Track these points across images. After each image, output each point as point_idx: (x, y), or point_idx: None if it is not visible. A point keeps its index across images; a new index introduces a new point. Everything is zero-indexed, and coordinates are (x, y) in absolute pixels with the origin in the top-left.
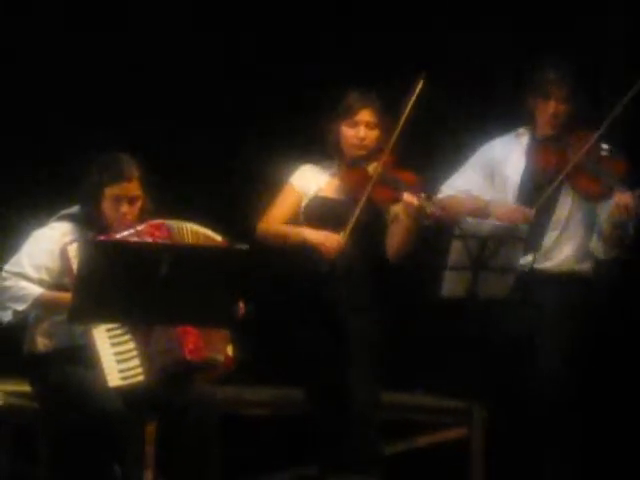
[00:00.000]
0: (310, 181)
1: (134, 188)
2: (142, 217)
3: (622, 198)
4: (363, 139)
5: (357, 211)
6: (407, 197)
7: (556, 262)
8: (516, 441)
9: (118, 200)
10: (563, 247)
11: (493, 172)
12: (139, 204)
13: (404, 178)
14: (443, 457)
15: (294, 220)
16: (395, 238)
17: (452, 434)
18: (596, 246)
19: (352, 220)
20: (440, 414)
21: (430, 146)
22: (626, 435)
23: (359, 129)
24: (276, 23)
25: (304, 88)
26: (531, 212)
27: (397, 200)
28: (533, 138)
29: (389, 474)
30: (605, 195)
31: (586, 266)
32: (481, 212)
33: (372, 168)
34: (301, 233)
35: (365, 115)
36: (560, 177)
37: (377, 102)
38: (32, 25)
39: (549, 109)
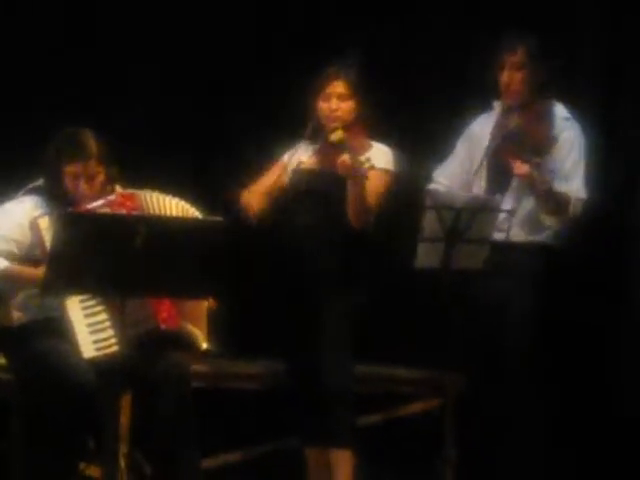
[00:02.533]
0: (298, 157)
1: (91, 166)
2: (106, 188)
3: (519, 168)
4: (335, 110)
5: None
6: (341, 158)
7: (511, 233)
8: (489, 411)
9: (76, 177)
10: (516, 218)
11: (475, 149)
12: (99, 179)
13: (355, 145)
14: (417, 428)
15: (277, 192)
16: (349, 203)
17: (426, 405)
18: (543, 218)
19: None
20: (413, 385)
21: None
22: (592, 401)
23: (331, 101)
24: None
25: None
26: None
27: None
28: (501, 111)
29: (364, 446)
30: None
31: (542, 236)
32: None
33: (334, 134)
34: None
35: (337, 87)
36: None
37: (352, 73)
38: None
39: (503, 78)
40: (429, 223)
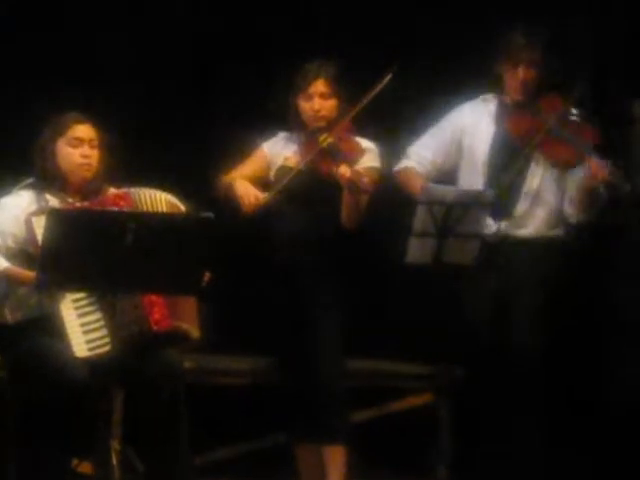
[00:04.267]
0: (281, 150)
1: (89, 130)
2: (102, 178)
3: (596, 167)
4: (318, 111)
5: (288, 177)
6: (342, 169)
7: (529, 230)
8: (484, 406)
9: (77, 143)
10: (535, 214)
11: (461, 138)
12: (99, 152)
13: (348, 149)
14: (411, 423)
15: (257, 182)
16: (343, 207)
17: (419, 400)
18: (569, 212)
19: (281, 183)
20: (407, 380)
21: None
22: (595, 399)
23: (314, 101)
24: None
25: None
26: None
27: (334, 172)
28: (501, 105)
29: (357, 441)
30: (576, 162)
31: (557, 232)
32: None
33: (323, 138)
34: (232, 184)
35: (318, 86)
36: (532, 144)
37: (332, 72)
38: None
39: (518, 75)
40: (420, 218)
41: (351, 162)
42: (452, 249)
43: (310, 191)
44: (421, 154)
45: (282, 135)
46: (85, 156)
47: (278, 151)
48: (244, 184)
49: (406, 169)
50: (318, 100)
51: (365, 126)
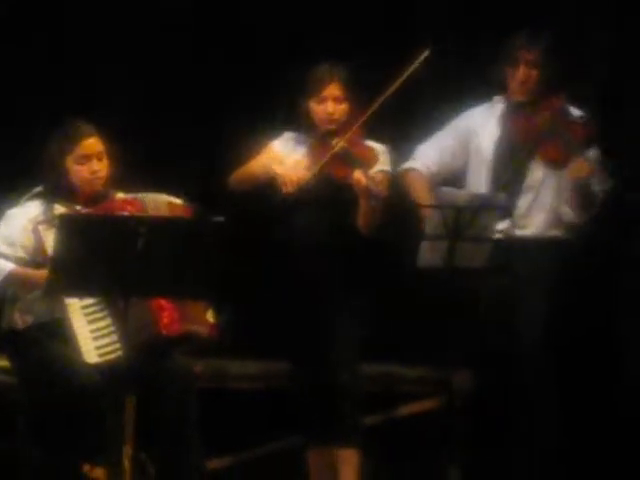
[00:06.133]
0: (290, 150)
1: (96, 143)
2: (110, 185)
3: (575, 165)
4: (332, 114)
5: (327, 158)
6: (356, 175)
7: (530, 229)
8: (497, 409)
9: (85, 160)
10: (535, 214)
11: (469, 141)
12: (106, 162)
13: (362, 155)
14: (424, 427)
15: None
16: (359, 212)
17: (432, 404)
18: (564, 211)
19: (321, 163)
20: (420, 384)
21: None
22: (605, 398)
23: (327, 105)
24: None
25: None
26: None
27: (348, 177)
28: (508, 105)
29: (370, 445)
30: (566, 162)
31: (558, 231)
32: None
33: (335, 142)
34: (269, 167)
35: (332, 90)
36: (529, 143)
37: (344, 74)
38: None
39: (519, 75)
40: (431, 221)
41: (366, 168)
42: (464, 252)
43: (325, 195)
44: (428, 154)
45: (289, 135)
46: (94, 171)
47: (288, 152)
48: (280, 164)
49: (410, 170)
50: (331, 103)
51: (376, 128)
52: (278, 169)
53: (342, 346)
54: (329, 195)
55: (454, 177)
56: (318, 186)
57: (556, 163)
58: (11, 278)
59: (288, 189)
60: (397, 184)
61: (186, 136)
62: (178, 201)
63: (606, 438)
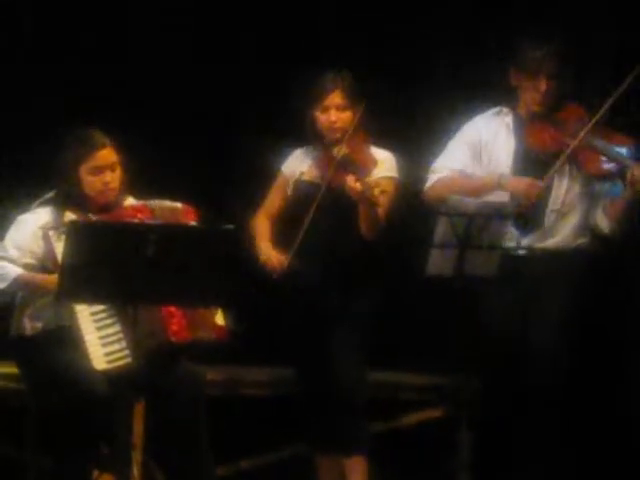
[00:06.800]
0: (298, 166)
1: (110, 154)
2: (121, 193)
3: (636, 175)
4: (334, 122)
5: (302, 231)
6: (349, 181)
7: (557, 240)
8: (505, 418)
9: (98, 171)
10: (563, 225)
11: (480, 152)
12: (119, 172)
13: (360, 160)
14: (430, 435)
15: (288, 207)
16: (360, 219)
17: (439, 412)
18: (601, 222)
19: (298, 237)
20: (426, 392)
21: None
22: (621, 411)
23: (330, 113)
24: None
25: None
26: (542, 186)
27: (345, 184)
28: (518, 117)
29: (376, 453)
30: (613, 172)
31: (584, 240)
32: (490, 188)
33: (337, 150)
34: (258, 245)
35: (334, 98)
36: (566, 153)
37: (347, 82)
38: None
39: (540, 86)
40: (441, 229)
41: (363, 174)
42: (473, 260)
43: (330, 204)
44: (449, 167)
45: (298, 152)
46: (106, 183)
47: (295, 168)
48: (267, 247)
49: (444, 178)
50: (334, 112)
51: (383, 136)
52: (263, 253)
53: (347, 353)
54: (334, 203)
55: None
56: (324, 196)
57: (600, 174)
58: (18, 283)
59: (273, 274)
60: (407, 192)
61: (193, 143)
62: (187, 208)
63: (616, 444)
